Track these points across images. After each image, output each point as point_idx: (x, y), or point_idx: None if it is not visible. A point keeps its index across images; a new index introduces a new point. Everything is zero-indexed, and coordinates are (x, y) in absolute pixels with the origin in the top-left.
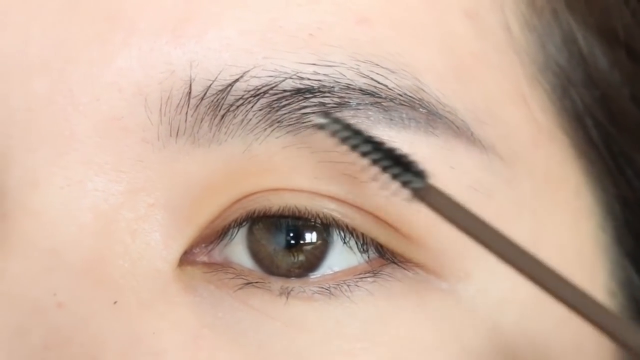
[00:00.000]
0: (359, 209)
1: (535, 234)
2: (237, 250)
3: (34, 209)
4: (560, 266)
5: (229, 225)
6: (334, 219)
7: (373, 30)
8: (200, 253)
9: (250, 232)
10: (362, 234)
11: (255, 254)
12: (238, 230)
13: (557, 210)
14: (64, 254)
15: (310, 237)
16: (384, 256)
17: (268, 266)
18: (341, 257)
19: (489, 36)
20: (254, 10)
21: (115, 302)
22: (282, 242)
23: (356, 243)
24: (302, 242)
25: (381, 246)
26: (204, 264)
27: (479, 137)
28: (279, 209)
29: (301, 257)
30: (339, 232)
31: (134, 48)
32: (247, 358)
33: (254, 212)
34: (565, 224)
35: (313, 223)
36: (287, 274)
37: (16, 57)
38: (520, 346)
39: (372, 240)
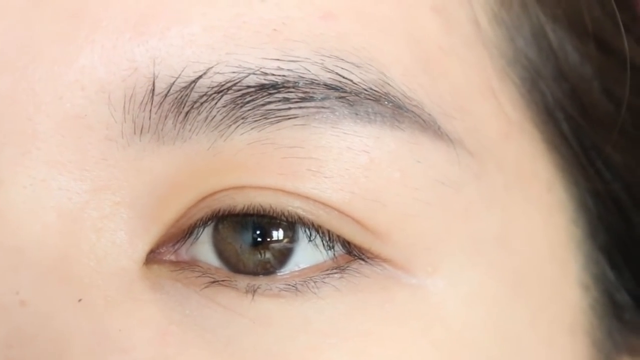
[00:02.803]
0: (324, 204)
1: (505, 227)
2: (204, 249)
3: None
4: (531, 260)
5: (195, 224)
6: (299, 216)
7: (338, 24)
8: (167, 252)
9: (216, 230)
10: (328, 231)
11: (222, 253)
12: (204, 229)
13: (528, 204)
14: (28, 252)
15: (277, 234)
16: (351, 252)
17: (234, 264)
18: (307, 254)
19: (457, 30)
20: (218, 6)
21: (80, 300)
22: (249, 240)
23: (322, 240)
24: (268, 239)
25: (348, 243)
26: (171, 262)
27: (446, 131)
28: (243, 207)
29: (267, 255)
30: (305, 230)
31: (97, 46)
32: (215, 354)
33: (219, 211)
34: (537, 218)
35: (278, 221)
36: (253, 272)
37: None
38: (491, 342)
39: (338, 237)
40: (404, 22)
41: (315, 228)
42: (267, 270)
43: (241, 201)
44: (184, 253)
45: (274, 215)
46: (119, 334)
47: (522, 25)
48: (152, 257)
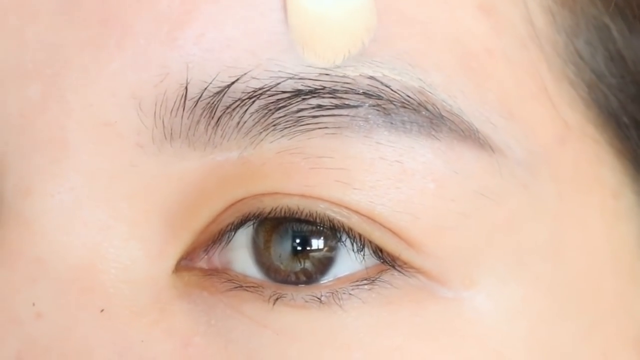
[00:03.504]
0: (354, 211)
1: (556, 238)
2: (241, 255)
3: (24, 217)
4: (588, 271)
5: (225, 229)
6: (328, 218)
7: (379, 28)
8: (198, 259)
9: (255, 236)
10: (359, 234)
11: (259, 258)
12: (234, 234)
13: (587, 212)
14: (49, 263)
15: (317, 243)
16: (383, 260)
17: (269, 271)
18: (347, 265)
19: (508, 31)
20: (259, 10)
21: (102, 310)
22: (288, 248)
23: (352, 243)
24: (308, 248)
25: (380, 249)
26: (201, 269)
27: (488, 140)
28: (271, 210)
29: (307, 264)
30: (335, 233)
31: (128, 51)
32: None
33: (248, 215)
34: (598, 227)
35: (319, 228)
36: (288, 281)
37: (10, 63)
38: None
39: (370, 242)
40: (448, 24)
41: (346, 231)
42: (303, 280)
43: (269, 204)
44: (216, 259)
45: (303, 216)
46: (141, 344)
47: (583, 24)
48: (183, 264)
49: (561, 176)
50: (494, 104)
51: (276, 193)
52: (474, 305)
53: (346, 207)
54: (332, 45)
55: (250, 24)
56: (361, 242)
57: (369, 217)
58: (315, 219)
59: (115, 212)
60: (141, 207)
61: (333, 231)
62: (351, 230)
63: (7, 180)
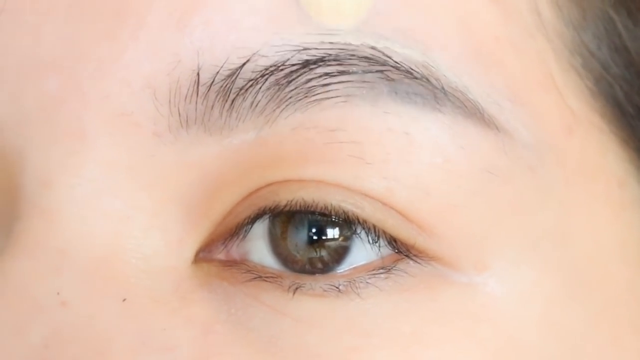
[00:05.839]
0: (365, 195)
1: (564, 223)
2: (258, 245)
3: (45, 208)
4: (596, 257)
5: (242, 222)
6: (343, 210)
7: (383, 3)
8: (217, 251)
9: (271, 226)
10: (374, 225)
11: (276, 248)
12: (251, 227)
13: (594, 200)
14: (72, 253)
15: (332, 232)
16: (398, 249)
17: (286, 260)
18: (362, 254)
19: (516, 20)
20: None
21: (124, 300)
22: (304, 237)
23: (367, 235)
24: (324, 237)
25: (394, 239)
26: (220, 261)
27: (494, 120)
28: (287, 204)
29: (323, 253)
30: (349, 225)
31: (142, 42)
32: (257, 353)
33: (264, 208)
34: (605, 215)
35: (334, 219)
36: (305, 270)
37: (28, 56)
38: (546, 343)
39: (384, 232)
40: (456, 9)
41: (360, 222)
42: (319, 268)
43: (284, 197)
44: (234, 251)
45: (318, 209)
46: (163, 333)
47: (589, 17)
48: (202, 256)
49: (568, 164)
50: (501, 88)
51: (291, 180)
52: (487, 289)
53: (359, 192)
54: (341, 8)
55: (253, 1)
56: (376, 233)
57: (382, 201)
58: (330, 211)
59: (135, 202)
60: (160, 197)
61: (348, 223)
62: (365, 222)
63: (27, 173)
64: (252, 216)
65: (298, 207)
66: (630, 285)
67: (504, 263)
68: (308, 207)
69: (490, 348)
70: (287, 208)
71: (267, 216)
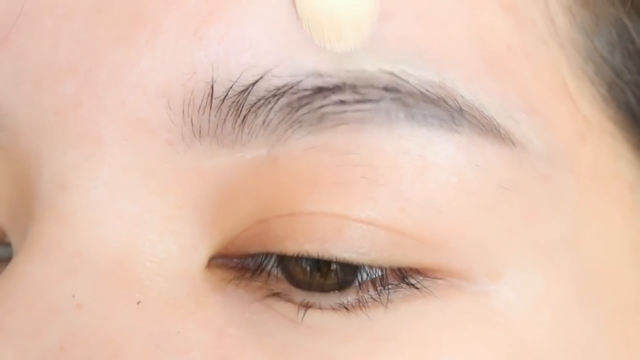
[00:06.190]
0: (373, 225)
1: (576, 230)
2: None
3: (61, 211)
4: (608, 262)
5: (253, 254)
6: (347, 261)
7: (397, 24)
8: (232, 264)
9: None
10: (379, 266)
11: (289, 273)
12: (265, 260)
13: (607, 205)
14: (87, 256)
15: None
16: (407, 282)
17: (297, 282)
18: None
19: (529, 28)
20: (277, 9)
21: (138, 302)
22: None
23: (373, 283)
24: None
25: (400, 270)
26: (234, 268)
27: (510, 134)
28: (293, 255)
29: (332, 276)
30: (354, 274)
31: (158, 50)
32: (271, 357)
33: (271, 254)
34: (617, 220)
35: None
36: (314, 289)
37: (46, 60)
38: (558, 348)
39: (391, 268)
40: (468, 21)
41: (366, 269)
42: (328, 288)
43: (291, 249)
44: (250, 263)
45: (324, 260)
46: (177, 335)
47: (602, 24)
48: (217, 263)
49: (581, 170)
50: (516, 100)
51: (298, 214)
52: (500, 297)
53: (367, 222)
54: (343, 32)
55: (269, 21)
56: (382, 271)
57: (390, 229)
58: (336, 262)
59: (149, 206)
60: (174, 202)
61: (353, 269)
62: (371, 267)
63: (43, 176)
64: (261, 253)
65: (304, 256)
66: None
67: (517, 271)
68: (313, 258)
69: (503, 354)
70: (295, 256)
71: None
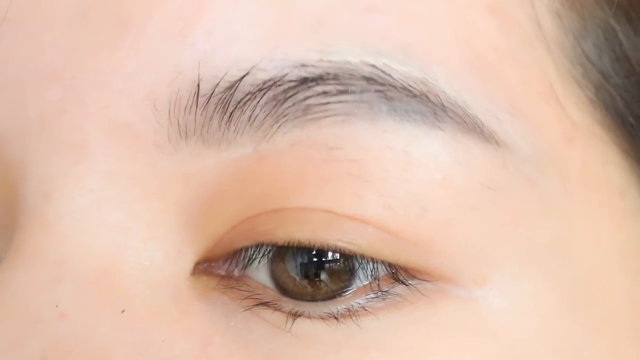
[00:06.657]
0: (361, 221)
1: (564, 235)
2: (259, 274)
3: (45, 219)
4: (596, 268)
5: (240, 249)
6: (339, 248)
7: (381, 19)
8: (217, 267)
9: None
10: (372, 258)
11: (277, 280)
12: (259, 264)
13: (595, 210)
14: (71, 264)
15: (330, 265)
16: (397, 278)
17: (285, 290)
18: (361, 277)
19: (515, 31)
20: (262, 2)
21: (123, 311)
22: (304, 269)
23: (364, 272)
24: (323, 265)
25: (391, 265)
26: (220, 276)
27: (494, 134)
28: (284, 243)
29: (322, 285)
30: (347, 263)
31: (142, 53)
32: None
33: (261, 244)
34: (606, 225)
35: (333, 262)
36: (304, 298)
37: (29, 67)
38: (546, 355)
39: (382, 262)
40: (454, 22)
41: (357, 259)
42: (317, 297)
43: (281, 237)
44: (235, 270)
45: (315, 249)
46: (161, 344)
47: (589, 27)
48: (202, 269)
49: (568, 175)
50: (501, 101)
51: (288, 209)
52: (487, 303)
53: (355, 218)
54: None
55: (253, 15)
56: (374, 265)
57: (378, 227)
58: (327, 252)
59: (134, 213)
60: (159, 208)
61: (345, 260)
62: (363, 257)
63: (27, 183)
64: (250, 246)
65: (295, 246)
66: (630, 296)
67: (504, 276)
68: (304, 246)
69: None
70: (285, 245)
71: (266, 247)
